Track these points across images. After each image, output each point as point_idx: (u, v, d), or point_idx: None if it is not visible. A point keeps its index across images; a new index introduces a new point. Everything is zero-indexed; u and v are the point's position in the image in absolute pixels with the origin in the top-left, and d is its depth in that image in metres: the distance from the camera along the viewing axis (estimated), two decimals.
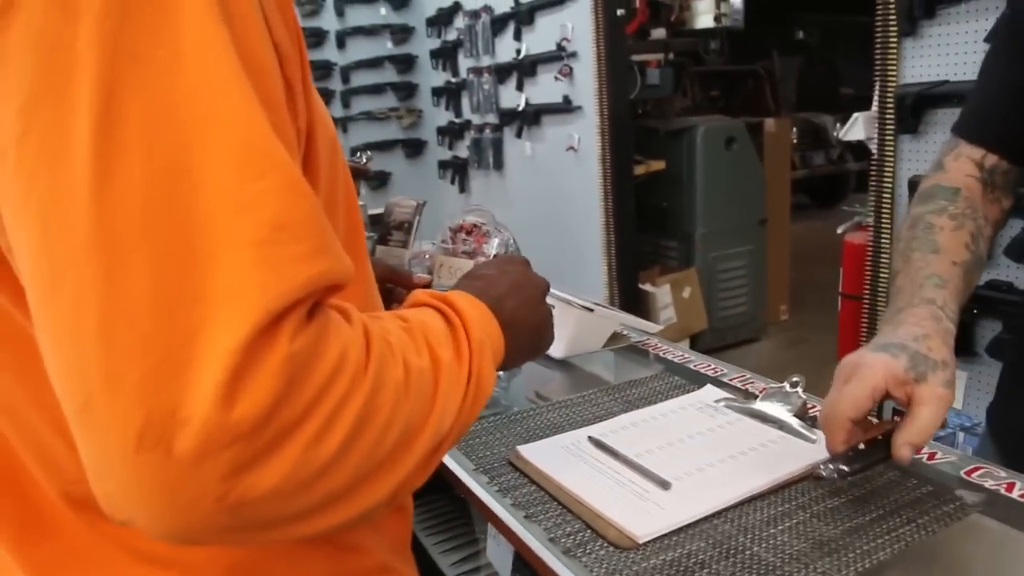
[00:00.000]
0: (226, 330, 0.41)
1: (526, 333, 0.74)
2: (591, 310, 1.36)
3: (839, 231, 2.68)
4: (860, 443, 0.80)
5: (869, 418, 0.83)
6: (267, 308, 0.42)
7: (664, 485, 0.87)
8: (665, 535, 0.79)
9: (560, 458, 0.95)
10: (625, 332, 1.46)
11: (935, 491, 0.84)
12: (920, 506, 0.82)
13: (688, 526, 0.80)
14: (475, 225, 1.68)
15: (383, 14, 5.01)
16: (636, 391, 1.17)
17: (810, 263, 5.09)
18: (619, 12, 3.54)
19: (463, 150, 4.91)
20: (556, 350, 1.32)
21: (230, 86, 0.44)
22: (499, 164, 4.53)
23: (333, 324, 0.47)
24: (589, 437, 0.99)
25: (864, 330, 2.40)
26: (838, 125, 2.65)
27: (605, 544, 0.79)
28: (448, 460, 0.99)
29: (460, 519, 1.37)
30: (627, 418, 1.06)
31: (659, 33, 4.14)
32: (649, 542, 0.78)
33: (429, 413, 0.54)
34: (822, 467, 0.80)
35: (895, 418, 0.83)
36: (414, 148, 5.23)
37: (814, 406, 1.05)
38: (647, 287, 3.98)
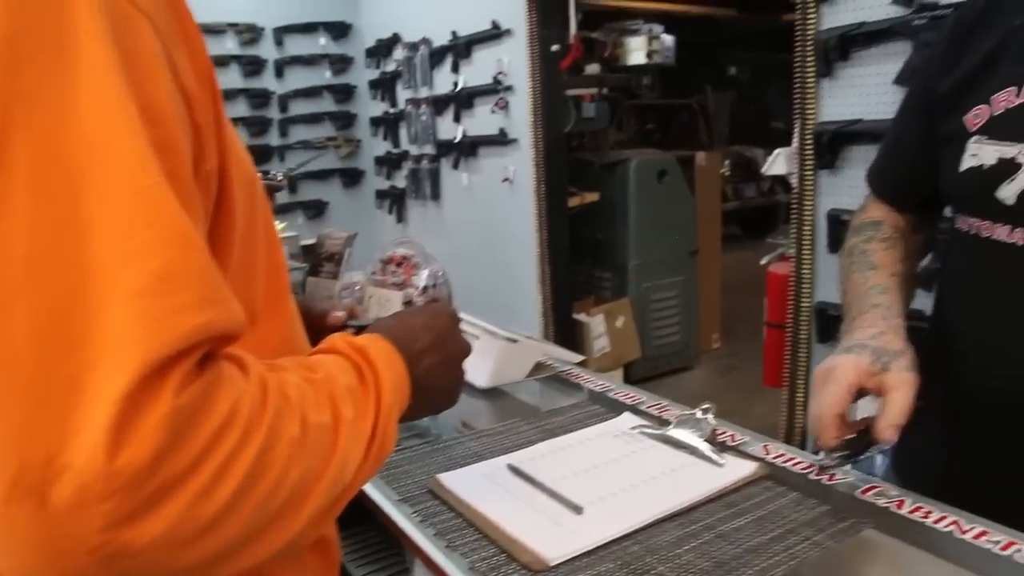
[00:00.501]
0: (107, 380, 0.41)
1: (433, 395, 0.75)
2: (515, 341, 1.39)
3: (762, 262, 2.77)
4: (849, 435, 0.89)
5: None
6: (146, 360, 0.41)
7: (577, 510, 0.90)
8: (576, 557, 0.82)
9: (479, 486, 0.97)
10: (551, 362, 1.49)
11: (832, 510, 0.89)
12: (817, 524, 0.86)
13: (598, 548, 0.83)
14: (405, 257, 1.70)
15: (322, 44, 5.02)
16: (557, 419, 1.20)
17: (741, 293, 5.21)
18: (553, 48, 3.63)
19: (401, 180, 4.93)
20: (480, 380, 1.34)
21: (122, 134, 0.44)
22: (436, 195, 4.57)
23: (225, 376, 0.47)
24: (508, 465, 1.02)
25: (787, 357, 2.48)
26: (767, 158, 2.76)
27: (519, 568, 0.81)
28: (371, 490, 1.00)
29: (389, 549, 1.38)
30: (545, 446, 1.09)
31: (593, 68, 4.25)
32: (560, 564, 0.81)
33: (325, 470, 0.53)
34: (822, 459, 0.88)
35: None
36: (351, 178, 5.23)
37: (723, 431, 1.10)
38: (581, 317, 4.03)
